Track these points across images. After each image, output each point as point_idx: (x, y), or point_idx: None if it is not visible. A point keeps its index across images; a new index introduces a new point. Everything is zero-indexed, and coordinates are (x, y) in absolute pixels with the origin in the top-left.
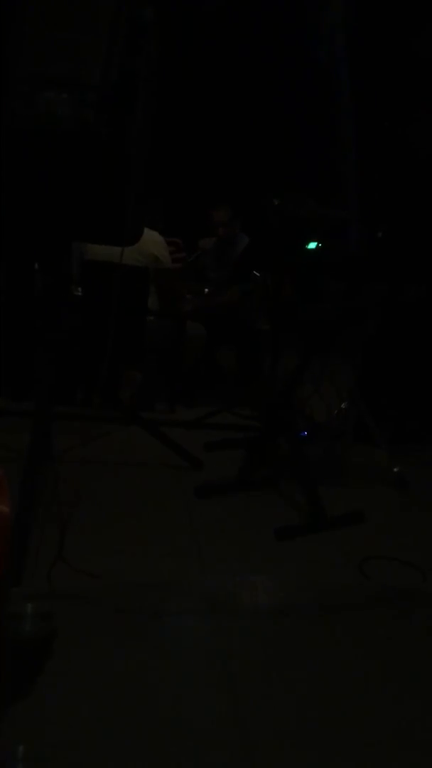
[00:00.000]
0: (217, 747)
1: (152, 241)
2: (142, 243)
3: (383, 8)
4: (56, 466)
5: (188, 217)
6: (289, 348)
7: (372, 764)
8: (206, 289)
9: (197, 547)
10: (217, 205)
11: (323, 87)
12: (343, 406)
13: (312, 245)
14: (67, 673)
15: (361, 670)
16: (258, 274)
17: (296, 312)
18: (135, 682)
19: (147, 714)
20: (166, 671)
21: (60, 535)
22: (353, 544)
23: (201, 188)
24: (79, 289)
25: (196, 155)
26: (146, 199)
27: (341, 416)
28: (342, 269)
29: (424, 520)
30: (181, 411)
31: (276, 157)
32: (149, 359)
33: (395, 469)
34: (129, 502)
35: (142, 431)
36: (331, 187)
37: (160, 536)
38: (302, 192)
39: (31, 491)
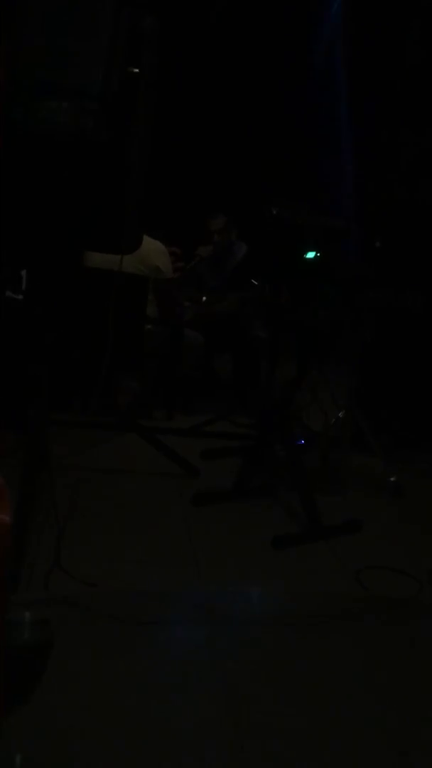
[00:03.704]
0: (214, 753)
1: (154, 250)
2: (144, 252)
3: (380, 16)
4: (53, 473)
5: (186, 225)
6: (287, 356)
7: None
8: (204, 297)
9: (194, 555)
10: (213, 213)
11: (322, 95)
12: (340, 414)
13: (310, 254)
14: (64, 681)
15: (358, 678)
16: (256, 282)
17: (294, 320)
18: (132, 689)
19: (144, 721)
20: (163, 679)
21: (57, 543)
22: (350, 553)
23: (199, 196)
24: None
25: (195, 163)
26: (145, 207)
27: (338, 425)
28: (340, 278)
29: (420, 529)
30: (179, 419)
31: (274, 165)
32: (147, 367)
33: (392, 478)
34: (126, 509)
35: (139, 439)
36: (329, 196)
37: (157, 544)
38: (300, 201)
39: (29, 498)
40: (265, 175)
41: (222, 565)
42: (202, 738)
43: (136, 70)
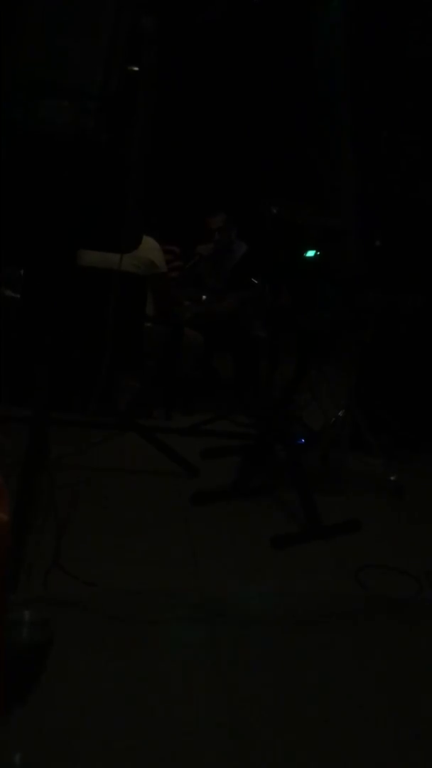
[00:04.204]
0: (213, 753)
1: (147, 246)
2: (139, 249)
3: (380, 16)
4: (53, 472)
5: (185, 224)
6: (287, 355)
7: None
8: (203, 297)
9: (193, 555)
10: (213, 212)
11: (321, 95)
12: (339, 414)
13: (310, 253)
14: (63, 680)
15: (358, 678)
16: (256, 281)
17: (294, 320)
18: (131, 689)
19: (144, 721)
20: (162, 678)
21: (56, 542)
22: (349, 553)
23: (198, 195)
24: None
25: (194, 162)
26: (145, 206)
27: (338, 424)
28: (340, 277)
29: (419, 528)
30: (179, 418)
31: (274, 165)
32: (147, 366)
33: (392, 478)
34: (125, 508)
35: (139, 438)
36: (329, 196)
37: (157, 543)
38: (300, 200)
39: (28, 497)
40: (265, 174)
41: (221, 565)
42: (202, 738)
43: (136, 69)
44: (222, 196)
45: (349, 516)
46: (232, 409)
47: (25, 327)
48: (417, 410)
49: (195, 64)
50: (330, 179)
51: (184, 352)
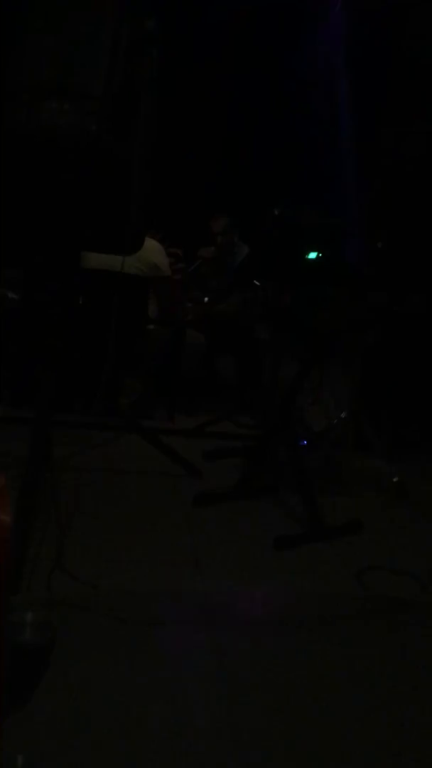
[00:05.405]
0: (215, 755)
1: (151, 249)
2: (142, 251)
3: (380, 17)
4: (55, 473)
5: (188, 226)
6: (289, 357)
7: None
8: (206, 298)
9: (195, 556)
10: (215, 215)
11: (323, 97)
12: (342, 415)
13: (312, 255)
14: (65, 682)
15: (361, 681)
16: (258, 283)
17: (296, 321)
18: (133, 690)
19: (145, 723)
20: (164, 681)
21: (58, 543)
22: (352, 554)
23: (201, 198)
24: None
25: (196, 164)
26: (148, 208)
27: (340, 425)
28: (342, 279)
29: (423, 530)
30: (181, 420)
31: (276, 167)
32: (149, 367)
33: (394, 479)
34: (128, 510)
35: (141, 440)
36: (331, 197)
37: (159, 545)
38: (302, 202)
39: (30, 499)
40: (268, 176)
41: (223, 566)
42: (202, 739)
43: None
44: (224, 198)
45: (351, 517)
46: (234, 411)
47: (27, 329)
48: (420, 411)
49: (198, 66)
50: (333, 180)
51: (186, 353)
